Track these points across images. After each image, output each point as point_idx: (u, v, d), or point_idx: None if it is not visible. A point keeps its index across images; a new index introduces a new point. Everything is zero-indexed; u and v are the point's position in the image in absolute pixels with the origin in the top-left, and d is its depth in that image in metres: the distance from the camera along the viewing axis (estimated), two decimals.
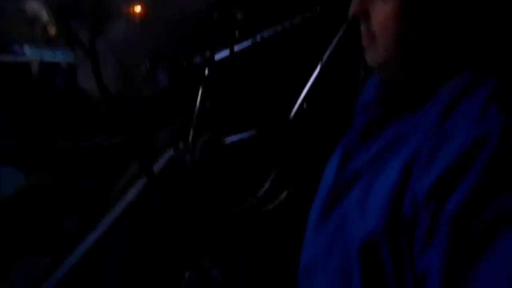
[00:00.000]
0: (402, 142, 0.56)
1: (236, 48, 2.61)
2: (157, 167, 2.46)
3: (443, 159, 0.49)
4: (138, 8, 10.54)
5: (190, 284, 2.11)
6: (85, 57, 8.31)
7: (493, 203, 0.47)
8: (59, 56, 11.19)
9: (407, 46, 0.60)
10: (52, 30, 11.68)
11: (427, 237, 0.50)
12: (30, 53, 10.41)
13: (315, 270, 0.70)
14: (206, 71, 2.71)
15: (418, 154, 0.52)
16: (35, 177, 8.38)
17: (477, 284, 0.47)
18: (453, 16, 0.56)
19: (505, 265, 0.47)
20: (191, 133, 2.76)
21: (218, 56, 2.59)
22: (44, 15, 8.96)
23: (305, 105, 2.13)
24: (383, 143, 0.60)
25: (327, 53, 1.97)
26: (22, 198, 8.09)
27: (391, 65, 0.63)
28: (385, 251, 0.55)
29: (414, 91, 0.62)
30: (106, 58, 8.42)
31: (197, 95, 2.71)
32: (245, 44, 2.60)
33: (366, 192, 0.58)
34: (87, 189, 5.81)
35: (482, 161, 0.47)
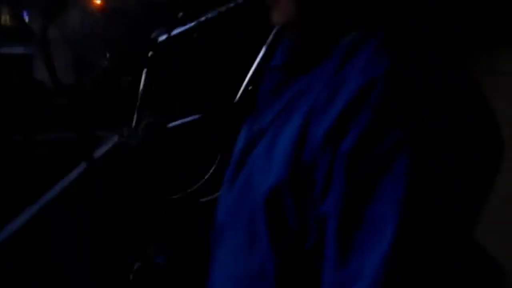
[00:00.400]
0: (303, 95, 0.58)
1: (179, 29, 2.56)
2: (99, 152, 2.39)
3: (338, 104, 0.51)
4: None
5: (137, 272, 2.08)
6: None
7: (383, 139, 0.48)
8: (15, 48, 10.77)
9: (306, 4, 0.62)
10: (7, 20, 11.21)
11: (325, 181, 0.51)
12: None
13: (226, 229, 0.71)
14: (150, 53, 2.66)
15: (317, 103, 0.54)
16: None
17: (369, 223, 0.49)
18: None
19: (394, 200, 0.49)
20: (134, 118, 2.70)
21: (161, 37, 2.54)
22: None
23: (250, 88, 2.13)
24: (286, 99, 0.62)
25: (271, 36, 1.96)
26: None
27: (292, 23, 0.65)
28: (288, 200, 0.57)
29: (313, 48, 0.64)
30: (61, 48, 8.16)
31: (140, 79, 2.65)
32: (189, 25, 2.55)
33: (271, 145, 0.61)
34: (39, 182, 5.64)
35: (372, 101, 0.49)
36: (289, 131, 0.57)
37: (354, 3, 0.62)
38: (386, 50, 0.54)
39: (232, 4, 2.53)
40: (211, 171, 2.36)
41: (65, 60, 8.72)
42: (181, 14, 2.91)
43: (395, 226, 0.49)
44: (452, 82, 0.55)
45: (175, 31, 2.93)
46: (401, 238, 0.49)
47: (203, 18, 2.75)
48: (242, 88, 2.23)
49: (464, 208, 0.51)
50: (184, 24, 2.95)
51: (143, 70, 2.80)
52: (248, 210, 0.61)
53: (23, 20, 8.75)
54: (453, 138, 0.52)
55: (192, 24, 2.76)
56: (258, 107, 0.71)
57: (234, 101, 2.13)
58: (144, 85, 2.82)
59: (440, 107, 0.53)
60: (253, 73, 2.17)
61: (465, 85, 0.55)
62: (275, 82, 0.71)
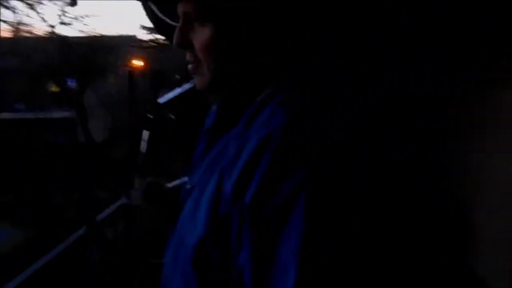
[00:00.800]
0: (220, 154, 0.64)
1: (177, 91, 2.67)
2: (105, 213, 2.47)
3: (242, 158, 0.56)
4: (133, 62, 10.99)
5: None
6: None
7: (281, 188, 0.52)
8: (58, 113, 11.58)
9: (225, 67, 0.66)
10: (52, 88, 12.16)
11: (238, 234, 0.54)
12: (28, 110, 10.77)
13: (169, 276, 0.73)
14: (151, 116, 2.78)
15: (228, 159, 0.60)
16: (31, 232, 8.37)
17: (276, 273, 0.50)
18: (259, 40, 0.65)
19: (294, 247, 0.51)
20: (136, 179, 2.79)
21: (163, 100, 2.66)
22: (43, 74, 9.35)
23: None
24: (209, 160, 0.67)
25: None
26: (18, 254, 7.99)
27: (211, 89, 0.69)
28: (212, 254, 0.58)
29: (231, 110, 0.70)
30: (97, 111, 8.67)
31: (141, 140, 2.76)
32: (188, 86, 2.67)
33: (196, 203, 0.63)
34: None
35: (268, 154, 0.54)
36: (209, 188, 0.61)
37: (260, 67, 0.66)
38: (283, 106, 0.59)
39: None
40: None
41: (102, 122, 9.25)
42: (177, 76, 3.06)
43: (295, 272, 0.50)
44: (348, 122, 0.59)
45: (173, 93, 3.07)
46: (301, 283, 0.50)
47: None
48: None
49: (371, 244, 0.50)
50: (180, 86, 3.09)
51: (144, 132, 2.91)
52: (181, 264, 0.65)
53: (67, 87, 9.46)
54: (352, 177, 0.54)
55: (190, 85, 2.89)
56: (192, 168, 0.75)
57: None
58: (146, 148, 2.93)
59: (336, 148, 0.55)
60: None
61: (360, 122, 0.59)
62: (205, 143, 0.75)
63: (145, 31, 10.73)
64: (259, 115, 0.61)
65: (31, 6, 6.42)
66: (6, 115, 13.61)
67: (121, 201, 2.74)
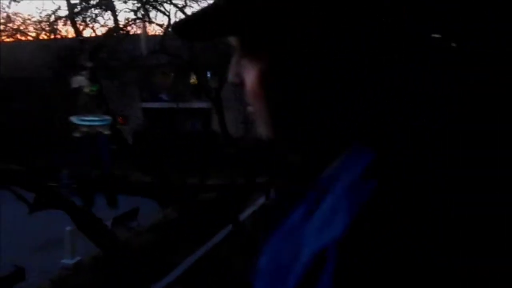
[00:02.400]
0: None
1: None
2: (246, 213, 2.59)
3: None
4: None
5: None
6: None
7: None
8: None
9: (279, 113, 0.52)
10: (194, 79, 13.21)
11: None
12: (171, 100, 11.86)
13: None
14: None
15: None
16: (169, 211, 9.33)
17: None
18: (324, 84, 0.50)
19: None
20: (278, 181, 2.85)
21: None
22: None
23: None
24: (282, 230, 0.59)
25: None
26: (157, 231, 8.98)
27: (282, 139, 0.55)
28: None
29: (303, 168, 0.57)
30: (233, 104, 9.18)
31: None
32: None
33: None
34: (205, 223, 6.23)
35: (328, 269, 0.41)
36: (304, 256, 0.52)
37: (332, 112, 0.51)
38: (374, 175, 0.45)
39: None
40: None
41: (236, 115, 9.77)
42: None
43: None
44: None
45: None
46: None
47: None
48: None
49: None
50: None
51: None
52: None
53: (206, 79, 10.20)
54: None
55: None
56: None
57: None
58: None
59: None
60: None
61: None
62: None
63: None
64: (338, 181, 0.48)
65: (180, 9, 7.03)
66: (152, 105, 15.40)
67: (261, 201, 2.83)
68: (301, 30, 0.48)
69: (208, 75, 10.76)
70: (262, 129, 0.54)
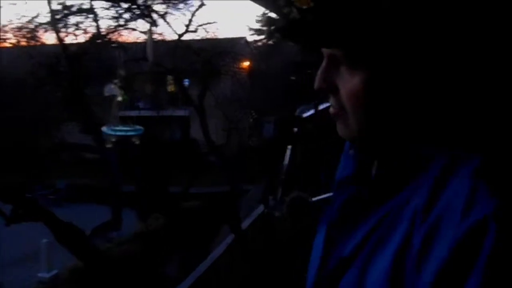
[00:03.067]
0: (389, 228, 0.56)
1: (325, 105, 2.69)
2: (247, 222, 2.59)
3: (439, 253, 0.48)
4: (245, 64, 11.40)
5: None
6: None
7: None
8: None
9: (376, 121, 0.57)
10: (172, 87, 13.12)
11: None
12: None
13: None
14: (295, 129, 2.84)
15: (409, 244, 0.51)
16: (151, 220, 9.18)
17: None
18: (421, 91, 0.54)
19: None
20: (279, 190, 2.87)
21: (306, 114, 2.70)
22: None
23: None
24: (369, 228, 0.59)
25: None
26: (139, 241, 8.80)
27: (364, 138, 0.60)
28: None
29: (393, 170, 0.60)
30: (214, 112, 9.16)
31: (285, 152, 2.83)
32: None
33: (362, 276, 0.57)
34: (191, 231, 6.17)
35: (483, 256, 0.45)
36: (380, 269, 0.55)
37: (421, 123, 0.55)
38: (487, 183, 0.48)
39: None
40: None
41: (217, 122, 9.75)
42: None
43: None
44: None
45: (321, 106, 3.10)
46: None
47: None
48: None
49: None
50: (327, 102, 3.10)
51: (288, 146, 2.99)
52: None
53: (184, 87, 10.14)
54: None
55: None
56: (334, 223, 0.68)
57: None
58: (289, 160, 3.01)
59: None
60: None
61: None
62: (348, 197, 0.67)
63: (253, 33, 11.07)
64: (445, 189, 0.51)
65: (162, 16, 6.99)
66: (129, 113, 15.16)
67: (260, 210, 2.84)
68: (402, 46, 0.52)
69: (187, 82, 10.72)
70: (343, 129, 0.60)
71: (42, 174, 9.95)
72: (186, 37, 7.61)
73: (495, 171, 0.48)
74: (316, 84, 0.60)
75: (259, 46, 13.17)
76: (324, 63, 0.59)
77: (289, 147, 2.86)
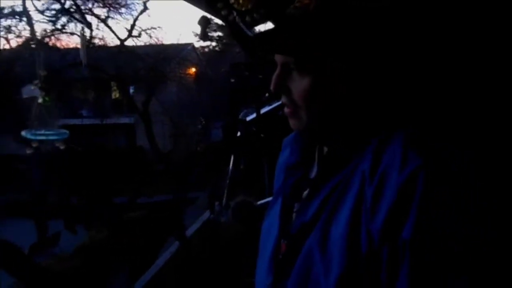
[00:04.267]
0: (342, 193, 0.69)
1: (266, 108, 2.69)
2: (193, 228, 2.53)
3: (386, 200, 0.62)
4: (192, 70, 11.28)
5: None
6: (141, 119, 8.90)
7: (440, 229, 0.59)
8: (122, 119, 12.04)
9: (323, 114, 0.72)
10: (116, 94, 12.69)
11: (391, 267, 0.60)
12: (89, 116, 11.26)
13: None
14: (238, 133, 2.82)
15: (362, 200, 0.64)
16: (94, 233, 8.78)
17: None
18: (359, 87, 0.70)
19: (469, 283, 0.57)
20: (225, 196, 2.83)
21: (249, 117, 2.68)
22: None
23: None
24: (323, 196, 0.71)
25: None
26: (83, 255, 8.41)
27: (312, 130, 0.75)
28: None
29: (339, 150, 0.75)
30: (161, 118, 8.97)
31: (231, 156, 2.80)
32: (275, 104, 2.66)
33: (323, 239, 0.68)
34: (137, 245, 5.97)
35: (417, 194, 0.60)
36: (339, 226, 0.67)
37: (359, 112, 0.71)
38: (414, 147, 0.65)
39: None
40: None
41: (163, 129, 9.55)
42: (267, 94, 3.08)
43: None
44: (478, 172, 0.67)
45: (264, 110, 3.09)
46: None
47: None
48: None
49: None
50: (270, 104, 3.11)
51: (232, 150, 2.95)
52: None
53: (129, 94, 9.86)
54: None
55: (278, 103, 2.90)
56: (287, 202, 0.80)
57: None
58: (233, 165, 2.97)
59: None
60: None
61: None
62: (297, 178, 0.80)
63: (198, 39, 11.00)
64: (384, 154, 0.66)
65: (102, 20, 6.75)
66: (72, 121, 14.49)
67: (206, 216, 2.79)
68: (339, 56, 0.68)
69: (131, 89, 10.43)
70: (296, 123, 0.73)
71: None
72: (130, 42, 7.41)
73: (418, 138, 0.66)
74: (272, 87, 0.73)
75: (206, 52, 13.10)
76: (278, 70, 0.73)
77: (233, 152, 2.81)
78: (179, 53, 9.56)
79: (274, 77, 0.73)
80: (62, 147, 4.90)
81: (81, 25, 6.09)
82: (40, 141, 4.25)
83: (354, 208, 0.65)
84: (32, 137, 4.12)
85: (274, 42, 0.72)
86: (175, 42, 10.64)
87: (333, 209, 0.68)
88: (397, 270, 0.59)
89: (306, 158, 0.82)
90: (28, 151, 4.53)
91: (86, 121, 11.98)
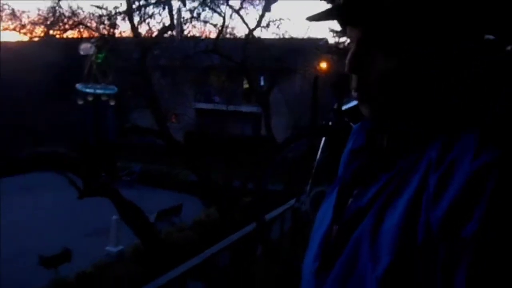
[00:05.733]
0: (404, 179, 0.62)
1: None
2: (274, 213, 2.54)
3: (453, 187, 0.55)
4: (323, 65, 11.24)
5: None
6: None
7: (507, 229, 0.52)
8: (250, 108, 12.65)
9: (401, 99, 0.65)
10: (246, 84, 13.36)
11: (449, 264, 0.54)
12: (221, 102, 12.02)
13: None
14: (329, 123, 2.72)
15: (425, 188, 0.58)
16: (211, 211, 9.43)
17: None
18: (444, 77, 0.63)
19: None
20: (309, 185, 2.77)
21: (346, 106, 2.56)
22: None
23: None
24: (384, 181, 0.65)
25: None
26: (198, 228, 9.11)
27: (387, 116, 0.67)
28: (403, 282, 0.58)
29: (405, 136, 0.68)
30: (282, 109, 9.15)
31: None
32: None
33: (376, 228, 0.62)
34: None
35: (488, 191, 0.53)
36: (395, 213, 0.60)
37: (442, 102, 0.64)
38: (490, 140, 0.57)
39: None
40: None
41: (285, 120, 9.73)
42: None
43: None
44: None
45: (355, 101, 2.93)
46: None
47: None
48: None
49: None
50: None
51: (322, 139, 2.87)
52: None
53: (257, 84, 10.27)
54: None
55: None
56: (347, 187, 0.74)
57: None
58: (321, 153, 2.89)
59: None
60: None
61: None
62: (361, 164, 0.74)
63: (333, 34, 10.85)
64: (456, 144, 0.59)
65: (236, 11, 7.12)
66: (205, 105, 15.76)
67: (292, 204, 2.76)
68: (435, 39, 0.61)
69: (261, 79, 10.83)
70: (368, 108, 0.67)
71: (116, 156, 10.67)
72: (259, 34, 7.65)
73: (497, 130, 0.58)
74: (348, 66, 0.66)
75: (339, 49, 12.89)
76: (353, 48, 0.65)
77: (324, 139, 2.74)
78: (311, 46, 9.58)
79: (349, 55, 0.65)
80: (111, 103, 5.23)
81: (209, 12, 6.49)
82: (89, 94, 4.70)
83: (415, 195, 0.59)
84: (83, 89, 4.62)
85: (357, 12, 0.63)
86: (309, 36, 10.75)
87: (391, 195, 0.63)
88: (455, 268, 0.53)
89: (371, 144, 0.76)
90: (79, 102, 5.06)
91: (218, 107, 12.89)
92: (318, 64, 10.32)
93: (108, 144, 6.67)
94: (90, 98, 4.90)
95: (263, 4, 7.41)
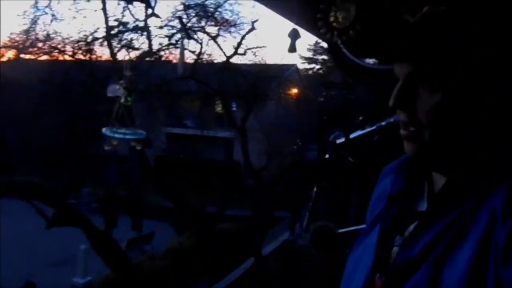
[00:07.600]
0: (462, 230, 0.60)
1: (358, 133, 2.56)
2: (270, 247, 2.48)
3: None
4: (293, 91, 11.42)
5: None
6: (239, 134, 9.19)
7: None
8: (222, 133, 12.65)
9: (451, 137, 0.63)
10: (219, 109, 13.34)
11: None
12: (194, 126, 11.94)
13: None
14: (326, 157, 2.72)
15: (491, 239, 0.56)
16: (184, 238, 9.20)
17: None
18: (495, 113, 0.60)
19: None
20: (306, 218, 2.74)
21: (339, 140, 2.58)
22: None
23: None
24: (437, 232, 0.63)
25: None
26: (171, 257, 8.84)
27: (433, 156, 0.66)
28: None
29: (460, 181, 0.65)
30: (257, 135, 9.17)
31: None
32: (368, 129, 2.53)
33: (433, 279, 0.59)
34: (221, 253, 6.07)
35: None
36: (457, 267, 0.58)
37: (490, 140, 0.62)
38: None
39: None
40: None
41: (260, 146, 9.74)
42: (360, 118, 2.94)
43: None
44: None
45: (354, 135, 2.96)
46: None
47: (383, 123, 2.70)
48: None
49: None
50: (363, 128, 2.96)
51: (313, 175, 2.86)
52: None
53: (230, 109, 10.27)
54: None
55: (372, 128, 2.75)
56: (388, 232, 0.72)
57: None
58: (317, 188, 2.88)
59: None
60: None
61: None
62: (401, 209, 0.73)
63: (302, 61, 11.12)
64: None
65: (212, 38, 7.16)
66: (177, 130, 15.59)
67: (286, 237, 2.72)
68: (473, 72, 0.59)
69: (234, 105, 10.85)
70: (414, 147, 0.65)
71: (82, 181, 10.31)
72: (235, 60, 7.72)
73: None
74: (392, 101, 0.65)
75: (309, 75, 13.19)
76: (400, 83, 0.64)
77: (316, 177, 2.74)
78: (282, 73, 9.75)
79: (396, 90, 0.65)
80: (138, 148, 5.09)
81: (188, 40, 6.49)
82: (117, 139, 4.49)
83: (479, 248, 0.56)
84: (111, 135, 4.38)
85: (407, 50, 0.62)
86: (278, 62, 10.93)
87: (449, 247, 0.60)
88: None
89: (411, 188, 0.74)
90: (106, 148, 4.81)
91: (190, 131, 12.77)
92: (291, 90, 10.49)
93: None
94: (115, 143, 4.63)
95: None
